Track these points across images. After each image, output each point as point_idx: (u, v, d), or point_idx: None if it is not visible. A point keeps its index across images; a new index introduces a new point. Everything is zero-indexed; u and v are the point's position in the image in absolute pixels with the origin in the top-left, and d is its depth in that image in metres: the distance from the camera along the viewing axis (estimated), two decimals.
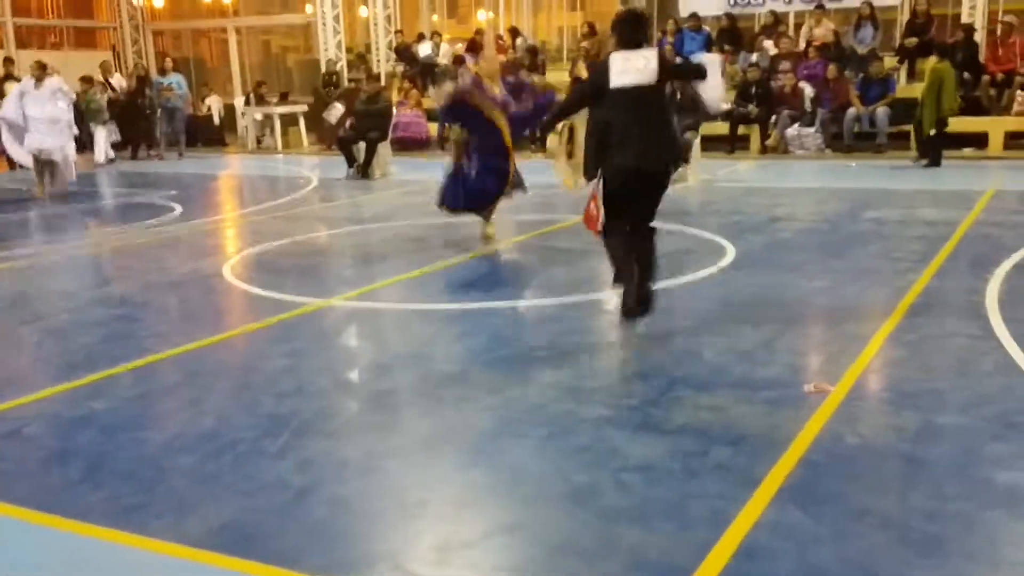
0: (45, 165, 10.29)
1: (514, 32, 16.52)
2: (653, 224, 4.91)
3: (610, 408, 3.76)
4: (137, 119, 15.98)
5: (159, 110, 16.21)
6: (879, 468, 3.20)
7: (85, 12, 21.46)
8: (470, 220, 7.68)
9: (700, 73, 5.11)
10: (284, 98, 17.67)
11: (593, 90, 4.79)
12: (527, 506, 2.96)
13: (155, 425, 3.76)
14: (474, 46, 16.45)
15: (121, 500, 3.03)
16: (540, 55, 15.80)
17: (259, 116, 17.29)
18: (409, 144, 15.20)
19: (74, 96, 10.60)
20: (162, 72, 16.76)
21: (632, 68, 4.58)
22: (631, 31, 4.72)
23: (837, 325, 4.95)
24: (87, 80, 15.50)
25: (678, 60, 6.16)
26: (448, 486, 3.14)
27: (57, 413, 3.88)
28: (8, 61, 15.31)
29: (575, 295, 5.62)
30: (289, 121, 17.21)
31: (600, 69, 4.74)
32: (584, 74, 12.93)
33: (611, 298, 5.75)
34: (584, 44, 14.92)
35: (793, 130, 13.26)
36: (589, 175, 4.87)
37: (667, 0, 17.09)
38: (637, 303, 4.60)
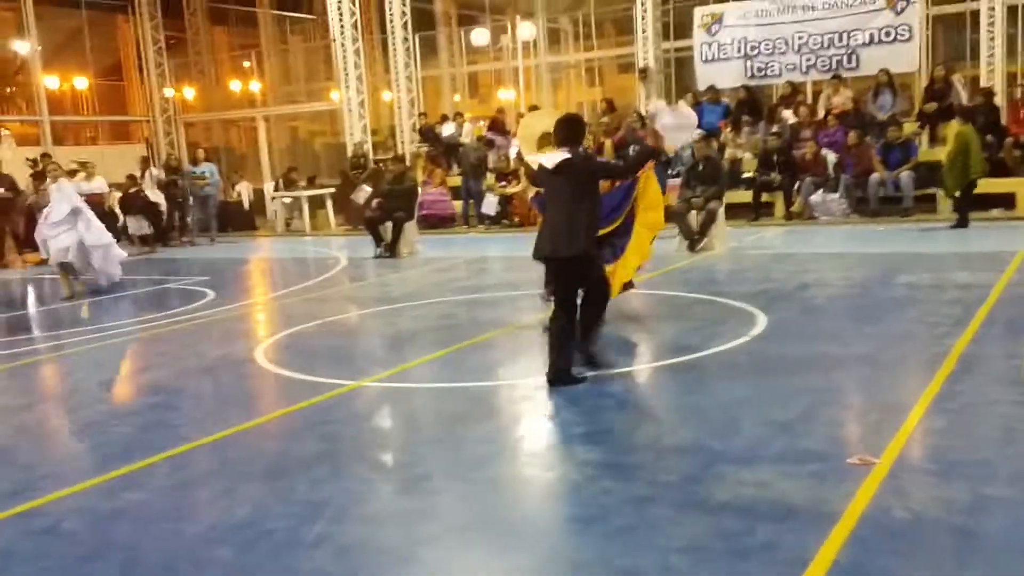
0: (67, 265, 10.51)
1: (534, 110, 16.83)
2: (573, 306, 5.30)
3: (650, 486, 3.69)
4: (170, 208, 16.37)
5: (191, 198, 16.61)
6: (931, 543, 3.10)
7: (119, 107, 22.21)
8: (500, 296, 7.70)
9: (627, 171, 6.00)
10: (312, 181, 18.05)
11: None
12: None
13: (191, 516, 3.74)
14: (496, 125, 16.81)
15: None
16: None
17: (288, 200, 17.65)
18: (435, 222, 15.42)
19: (78, 199, 10.73)
20: (194, 162, 17.22)
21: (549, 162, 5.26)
22: (562, 132, 5.36)
23: (877, 393, 4.87)
24: (131, 178, 16.06)
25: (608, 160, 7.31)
26: (487, 574, 3.07)
27: (93, 507, 3.87)
28: (45, 156, 15.80)
29: (604, 368, 5.57)
30: (317, 203, 17.54)
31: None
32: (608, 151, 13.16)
33: (642, 372, 5.72)
34: (603, 120, 15.15)
35: (818, 196, 13.28)
36: None
37: (685, 74, 17.40)
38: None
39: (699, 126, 14.14)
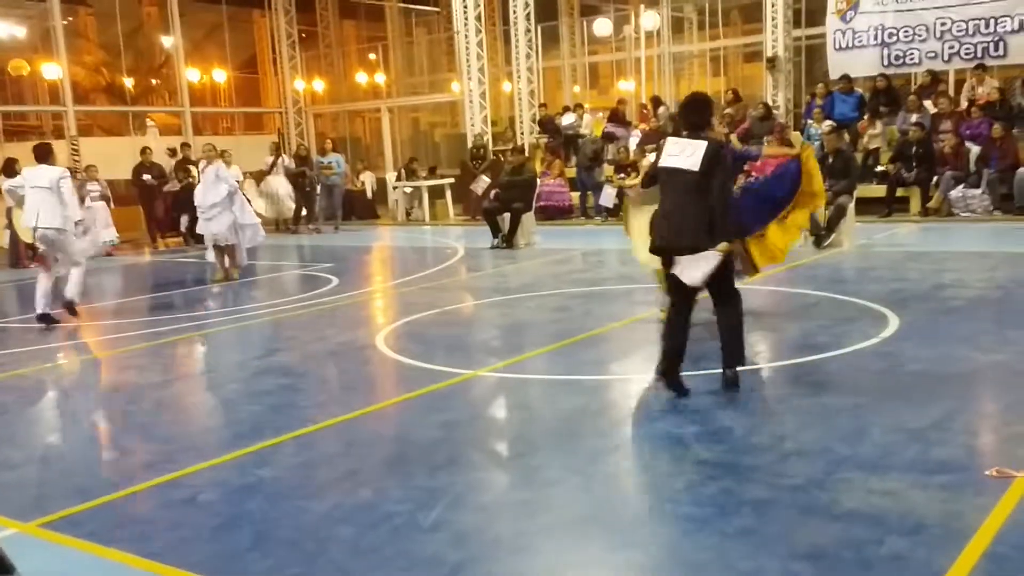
0: (221, 249, 10.90)
1: (656, 101, 16.60)
2: (724, 303, 4.93)
3: (771, 489, 3.59)
4: (298, 196, 17.00)
5: (318, 187, 17.20)
6: None
7: (254, 100, 23.19)
8: (616, 290, 7.64)
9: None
10: (432, 171, 18.40)
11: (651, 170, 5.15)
12: None
13: (316, 495, 3.88)
14: (616, 116, 16.66)
15: (286, 570, 3.12)
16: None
17: (408, 189, 18.05)
18: (552, 213, 15.45)
19: (235, 182, 11.13)
20: (322, 152, 17.82)
21: (681, 153, 4.77)
22: (689, 115, 4.92)
23: (1018, 403, 4.57)
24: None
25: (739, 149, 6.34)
26: (602, 569, 3.07)
27: (227, 480, 4.07)
28: (185, 146, 16.68)
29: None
30: (437, 193, 17.87)
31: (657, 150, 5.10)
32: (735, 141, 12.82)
33: (764, 371, 5.57)
34: (728, 111, 14.79)
35: (958, 192, 12.58)
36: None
37: (815, 63, 16.78)
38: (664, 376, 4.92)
39: (830, 117, 13.62)
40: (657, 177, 4.98)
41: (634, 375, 5.62)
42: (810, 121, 14.25)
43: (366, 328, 7.93)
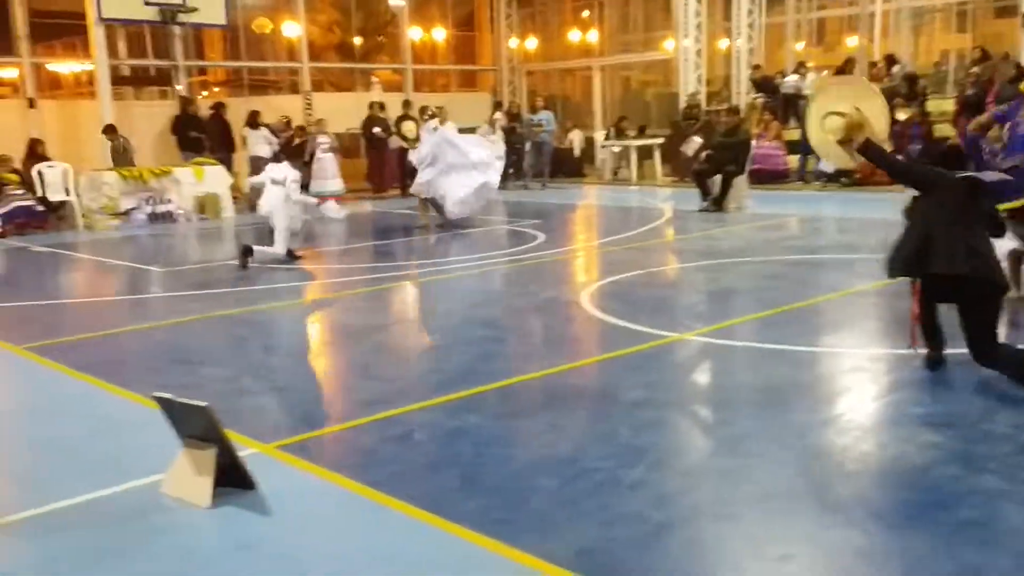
0: (424, 201, 11.63)
1: (890, 59, 15.42)
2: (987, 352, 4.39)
3: (1007, 481, 3.31)
4: (508, 152, 17.34)
5: (528, 144, 17.46)
6: None
7: (469, 58, 23.78)
8: (834, 259, 7.25)
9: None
10: (642, 131, 18.16)
11: (935, 177, 4.64)
12: None
13: (520, 444, 4.01)
14: (844, 74, 15.65)
15: (492, 512, 3.26)
16: (920, 83, 14.59)
17: (617, 149, 17.93)
18: (766, 177, 14.84)
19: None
20: (533, 110, 18.04)
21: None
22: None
23: None
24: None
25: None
26: (812, 545, 2.96)
27: (438, 423, 4.28)
28: (407, 104, 17.42)
29: (960, 346, 5.03)
30: (645, 153, 17.64)
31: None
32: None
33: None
34: (974, 70, 13.48)
35: None
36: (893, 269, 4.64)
37: None
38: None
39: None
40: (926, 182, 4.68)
41: (851, 349, 5.34)
42: None
43: (570, 285, 8.02)
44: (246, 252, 8.94)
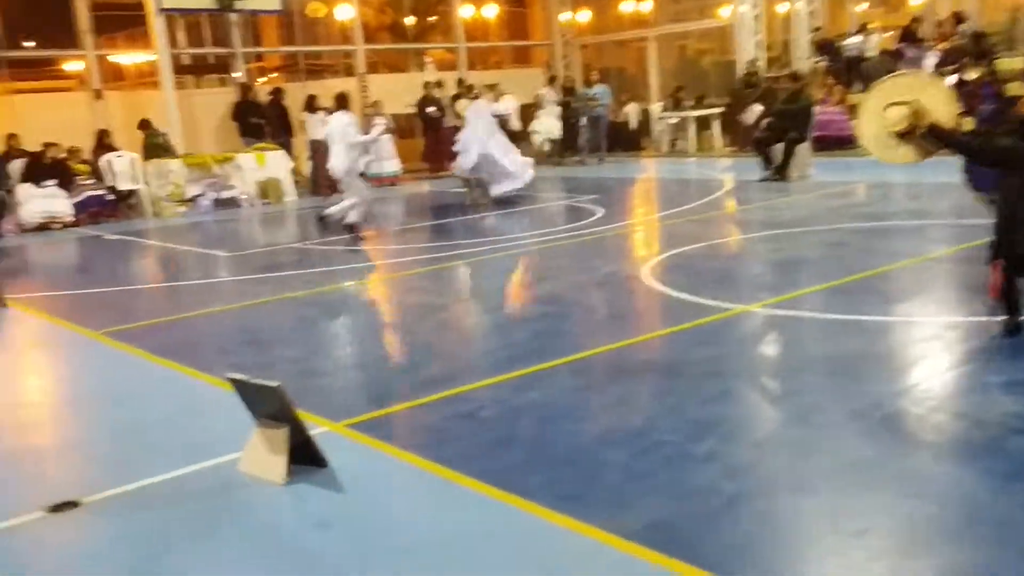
0: (475, 181, 11.78)
1: (957, 17, 14.86)
2: None
3: None
4: (563, 128, 17.24)
5: (583, 119, 17.31)
6: None
7: (521, 33, 23.63)
8: (903, 225, 7.06)
9: None
10: (700, 101, 17.86)
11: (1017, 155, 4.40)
12: (986, 551, 2.63)
13: (587, 418, 4.00)
14: (909, 34, 15.17)
15: (563, 486, 3.26)
16: (988, 41, 14.03)
17: (674, 120, 17.67)
18: (830, 143, 14.46)
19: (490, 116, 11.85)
20: (588, 84, 17.87)
21: None
22: None
23: None
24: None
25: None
26: (889, 518, 2.90)
27: (504, 399, 4.30)
28: (461, 82, 17.40)
29: None
30: (703, 124, 17.35)
31: None
32: None
33: None
34: None
35: None
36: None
37: None
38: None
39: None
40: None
41: (924, 317, 5.20)
42: None
43: (631, 259, 7.96)
44: (350, 229, 9.29)
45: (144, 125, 14.18)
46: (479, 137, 11.46)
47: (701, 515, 2.97)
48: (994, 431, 3.48)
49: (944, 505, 2.94)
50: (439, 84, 17.05)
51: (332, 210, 9.43)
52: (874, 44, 15.64)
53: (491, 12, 24.34)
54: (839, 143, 14.61)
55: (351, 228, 9.35)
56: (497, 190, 11.68)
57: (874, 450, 3.40)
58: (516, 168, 11.75)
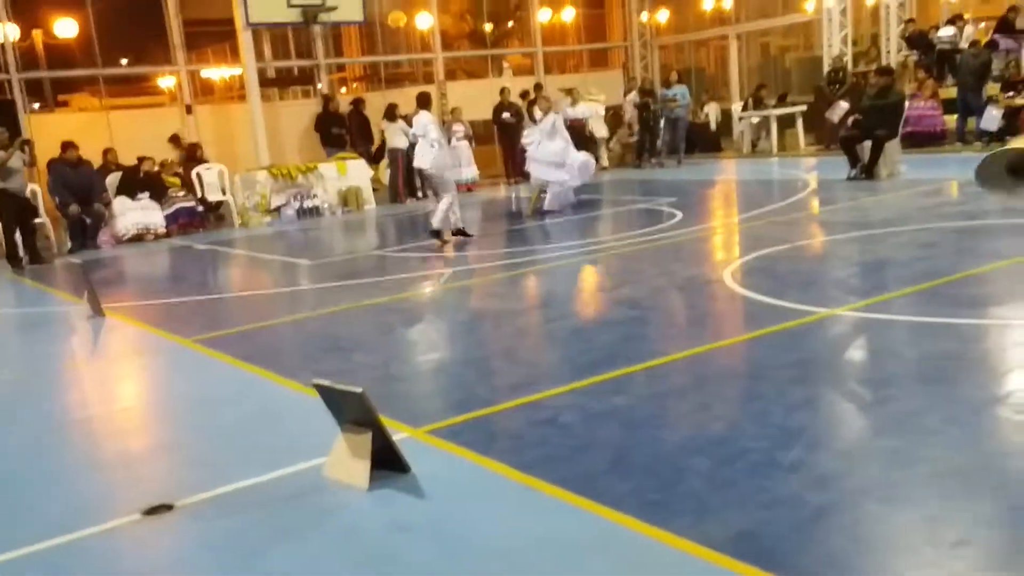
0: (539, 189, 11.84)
1: None
2: None
3: None
4: (642, 130, 17.10)
5: (663, 120, 17.13)
6: None
7: (600, 35, 23.54)
8: (999, 224, 6.77)
9: None
10: (782, 99, 17.48)
11: None
12: None
13: (670, 425, 3.95)
14: (1005, 25, 14.55)
15: (646, 494, 3.22)
16: None
17: (755, 119, 17.33)
18: (922, 139, 13.98)
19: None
20: (667, 84, 17.68)
21: None
22: None
23: None
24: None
25: None
26: (991, 529, 2.77)
27: (585, 405, 4.27)
28: (538, 87, 17.41)
29: None
30: (786, 123, 16.96)
31: None
32: None
33: None
34: None
35: None
36: None
37: None
38: None
39: None
40: None
41: (1022, 321, 4.96)
42: None
43: (712, 263, 7.84)
44: (435, 235, 9.53)
45: (174, 140, 14.63)
46: (548, 157, 11.45)
47: (789, 526, 2.89)
48: None
49: None
50: (522, 93, 17.08)
51: (436, 222, 9.55)
52: (968, 36, 15.03)
53: (568, 15, 24.32)
54: (931, 139, 14.11)
55: (437, 234, 9.49)
56: (553, 203, 11.56)
57: (971, 458, 3.26)
58: (571, 173, 11.63)
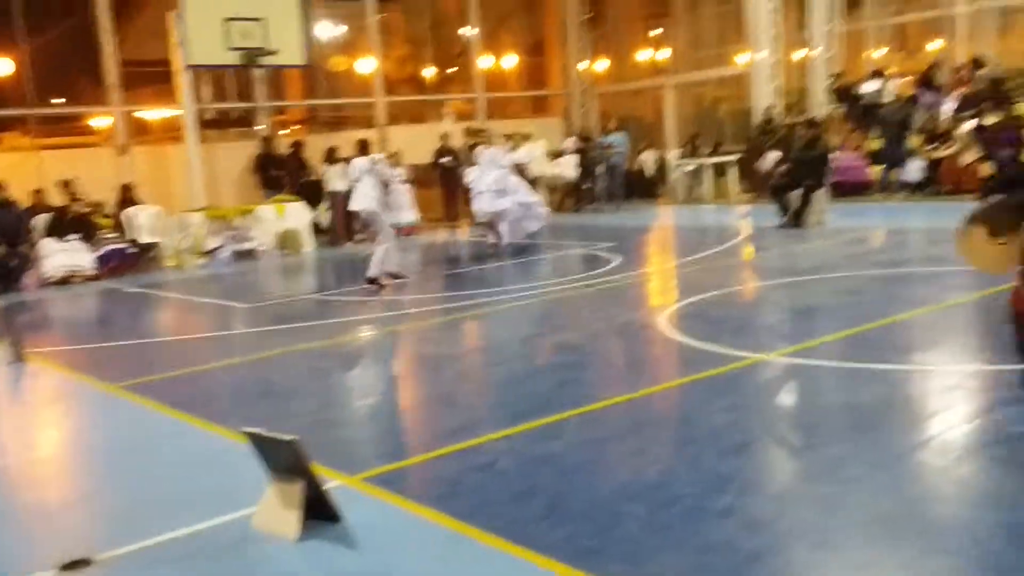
0: (485, 225, 11.98)
1: (976, 63, 14.88)
2: None
3: None
4: (581, 176, 17.37)
5: (601, 166, 17.42)
6: None
7: (540, 83, 23.93)
8: (921, 272, 7.01)
9: None
10: (717, 148, 17.94)
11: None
12: None
13: (606, 470, 3.95)
14: (926, 80, 15.22)
15: (581, 540, 3.21)
16: (1005, 87, 14.04)
17: (690, 167, 17.75)
18: (847, 189, 14.46)
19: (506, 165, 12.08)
20: (605, 132, 18.02)
21: None
22: None
23: None
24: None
25: None
26: (912, 573, 2.83)
27: (521, 451, 4.25)
28: (475, 131, 17.56)
29: None
30: (720, 171, 17.40)
31: None
32: None
33: None
34: None
35: None
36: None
37: None
38: None
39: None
40: None
41: (945, 366, 5.13)
42: None
43: (648, 307, 7.94)
44: (372, 282, 9.44)
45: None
46: (489, 186, 11.63)
47: (723, 571, 2.91)
48: (1019, 483, 3.40)
49: (971, 559, 2.86)
50: (466, 129, 17.23)
51: (373, 270, 9.48)
52: (891, 90, 15.69)
53: (510, 62, 24.69)
54: (856, 189, 14.61)
55: (373, 281, 9.42)
56: (511, 235, 11.77)
57: (897, 504, 3.33)
58: (531, 212, 11.88)
